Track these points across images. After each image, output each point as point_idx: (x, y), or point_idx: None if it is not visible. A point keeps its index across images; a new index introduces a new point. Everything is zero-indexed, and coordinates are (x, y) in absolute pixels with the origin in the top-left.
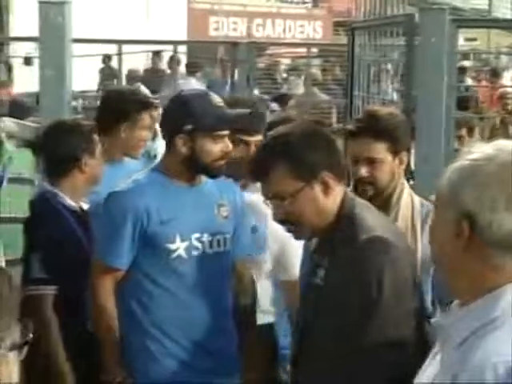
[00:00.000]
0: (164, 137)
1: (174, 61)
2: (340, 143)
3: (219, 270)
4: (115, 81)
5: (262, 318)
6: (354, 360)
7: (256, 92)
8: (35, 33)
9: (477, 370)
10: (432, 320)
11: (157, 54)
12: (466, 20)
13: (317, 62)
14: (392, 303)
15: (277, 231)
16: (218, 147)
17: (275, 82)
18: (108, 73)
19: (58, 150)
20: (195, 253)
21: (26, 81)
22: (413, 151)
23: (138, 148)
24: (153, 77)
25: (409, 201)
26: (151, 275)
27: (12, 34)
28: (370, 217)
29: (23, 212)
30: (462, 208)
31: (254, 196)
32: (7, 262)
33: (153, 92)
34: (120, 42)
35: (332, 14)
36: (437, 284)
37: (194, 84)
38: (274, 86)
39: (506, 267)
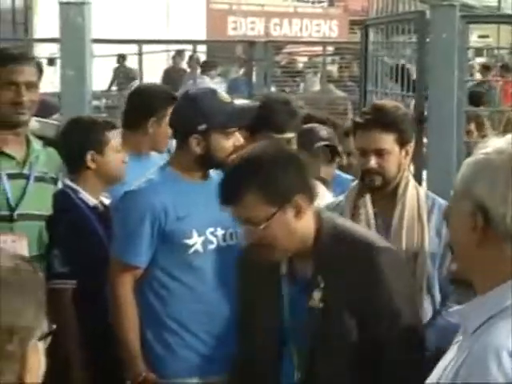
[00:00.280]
0: (176, 136)
1: (193, 60)
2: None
3: (232, 262)
4: (132, 81)
5: None
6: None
7: (273, 90)
8: (58, 34)
9: (481, 355)
10: (451, 309)
11: (179, 54)
12: (475, 16)
13: (334, 59)
14: (408, 310)
15: None
16: (230, 142)
17: (292, 80)
18: (122, 72)
19: (66, 146)
20: (211, 247)
21: (49, 81)
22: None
23: (164, 143)
24: (174, 76)
25: (414, 192)
26: (169, 270)
27: (36, 35)
28: (356, 226)
29: (47, 210)
30: (476, 201)
31: None
32: (31, 257)
33: (174, 91)
34: (140, 42)
35: (348, 13)
36: (439, 276)
37: (209, 83)
38: (292, 83)
39: None
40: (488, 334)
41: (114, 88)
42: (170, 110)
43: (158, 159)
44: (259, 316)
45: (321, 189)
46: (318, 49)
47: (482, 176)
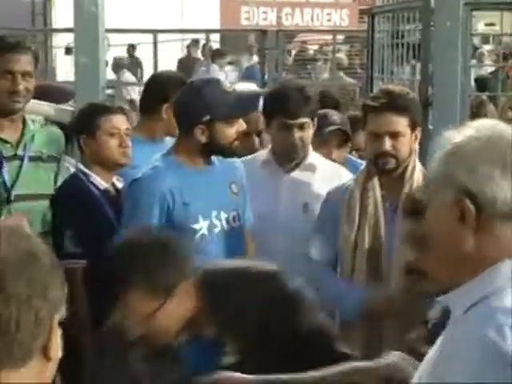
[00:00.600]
0: (179, 125)
1: (206, 49)
2: None
3: (237, 244)
4: (138, 70)
5: None
6: None
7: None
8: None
9: (461, 343)
10: (438, 298)
11: (194, 43)
12: (479, 3)
13: (344, 47)
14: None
15: None
16: (233, 130)
17: (303, 67)
18: (131, 62)
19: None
20: (216, 230)
21: (67, 70)
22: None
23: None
24: (188, 65)
25: (420, 175)
26: None
27: (55, 25)
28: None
29: (46, 188)
30: (461, 188)
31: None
32: None
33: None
34: (154, 32)
35: (357, 3)
36: None
37: (219, 71)
38: (303, 71)
39: (507, 238)
40: (469, 320)
41: None
42: None
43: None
44: None
45: (341, 169)
46: (329, 37)
47: (464, 163)
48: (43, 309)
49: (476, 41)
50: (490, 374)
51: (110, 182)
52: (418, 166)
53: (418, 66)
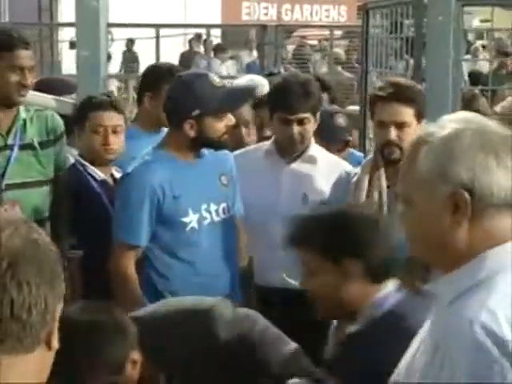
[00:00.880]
0: (169, 119)
1: (206, 43)
2: None
3: (227, 235)
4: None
5: None
6: None
7: (282, 71)
8: None
9: (455, 327)
10: (426, 286)
11: (197, 38)
12: None
13: (343, 42)
14: None
15: None
16: (222, 124)
17: (302, 62)
18: (129, 56)
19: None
20: (205, 222)
21: (72, 63)
22: None
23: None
24: (189, 59)
25: None
26: (168, 248)
27: (60, 20)
28: None
29: (43, 174)
30: (458, 181)
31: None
32: None
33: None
34: (157, 26)
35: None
36: None
37: (220, 65)
38: (301, 65)
39: (498, 227)
40: (460, 306)
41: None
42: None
43: None
44: None
45: (342, 162)
46: (327, 33)
47: (457, 156)
48: (50, 297)
49: (471, 37)
50: (486, 357)
51: (108, 173)
52: None
53: (411, 61)
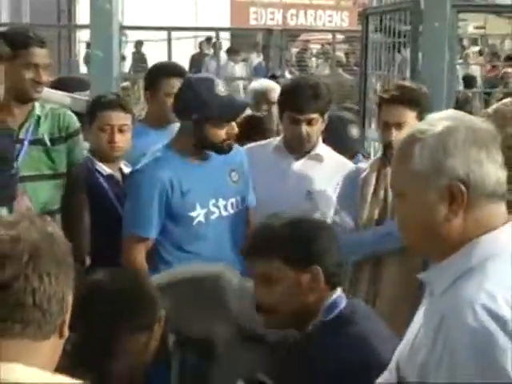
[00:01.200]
0: (179, 120)
1: (215, 46)
2: None
3: (235, 229)
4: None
5: None
6: None
7: (287, 74)
8: None
9: (456, 310)
10: (420, 275)
11: (207, 41)
12: (465, 5)
13: (343, 46)
14: None
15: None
16: (223, 131)
17: (306, 64)
18: (138, 58)
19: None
20: (213, 217)
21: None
22: None
23: (162, 115)
24: (199, 61)
25: None
26: (176, 241)
27: (78, 21)
28: None
29: (43, 170)
30: (454, 175)
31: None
32: None
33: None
34: (169, 29)
35: (357, 5)
36: None
37: (233, 67)
38: (305, 68)
39: (489, 215)
40: (458, 290)
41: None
42: (163, 84)
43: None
44: None
45: (347, 162)
46: (330, 37)
47: (451, 152)
48: (66, 287)
49: (465, 42)
50: (490, 337)
51: (117, 168)
52: None
53: (408, 64)
